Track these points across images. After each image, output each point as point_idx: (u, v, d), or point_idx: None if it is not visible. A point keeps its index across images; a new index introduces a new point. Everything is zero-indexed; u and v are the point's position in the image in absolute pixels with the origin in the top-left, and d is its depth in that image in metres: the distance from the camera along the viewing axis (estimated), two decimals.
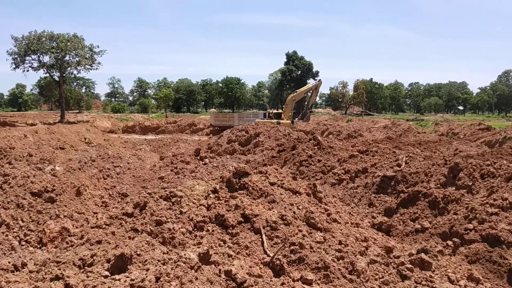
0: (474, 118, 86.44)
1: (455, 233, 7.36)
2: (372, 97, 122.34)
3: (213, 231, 6.44)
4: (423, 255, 6.12)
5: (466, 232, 7.08)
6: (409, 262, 6.00)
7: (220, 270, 5.03)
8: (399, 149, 17.20)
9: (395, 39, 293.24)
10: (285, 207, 7.11)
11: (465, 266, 6.26)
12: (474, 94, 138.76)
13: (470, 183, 8.96)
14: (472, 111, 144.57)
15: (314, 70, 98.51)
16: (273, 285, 5.05)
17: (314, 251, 5.89)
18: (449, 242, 7.04)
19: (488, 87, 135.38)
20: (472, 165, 9.37)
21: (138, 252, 5.10)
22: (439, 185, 9.60)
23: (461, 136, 30.57)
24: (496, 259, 6.17)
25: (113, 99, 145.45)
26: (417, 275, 5.79)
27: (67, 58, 47.56)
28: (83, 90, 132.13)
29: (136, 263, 4.94)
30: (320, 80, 42.05)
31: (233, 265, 5.14)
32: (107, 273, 4.82)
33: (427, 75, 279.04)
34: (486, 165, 9.19)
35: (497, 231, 6.63)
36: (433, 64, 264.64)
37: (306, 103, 45.82)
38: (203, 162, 18.41)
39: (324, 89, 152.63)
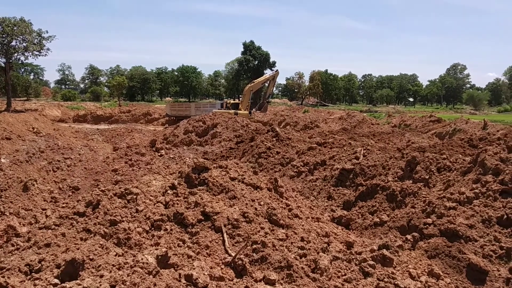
0: (423, 109, 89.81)
1: (413, 227, 7.43)
2: (327, 88, 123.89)
3: (171, 230, 6.15)
4: (384, 251, 6.10)
5: (425, 226, 7.15)
6: (371, 259, 5.97)
7: (180, 274, 4.75)
8: (354, 140, 17.46)
9: (349, 31, 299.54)
10: (247, 204, 6.92)
11: (425, 261, 6.31)
12: (424, 86, 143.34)
13: (427, 177, 9.10)
14: (421, 102, 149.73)
15: (271, 60, 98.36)
16: None
17: (276, 249, 5.73)
18: (409, 237, 7.08)
19: (437, 80, 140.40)
20: (428, 159, 9.53)
21: (90, 257, 4.75)
22: (396, 178, 9.72)
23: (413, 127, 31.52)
24: (455, 254, 6.23)
25: (63, 87, 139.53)
26: (379, 271, 5.77)
27: (13, 43, 44.85)
28: (31, 77, 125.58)
29: (88, 268, 4.58)
30: (277, 70, 41.90)
31: (194, 268, 4.87)
32: (56, 280, 4.45)
33: (380, 67, 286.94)
34: (442, 159, 9.36)
35: (455, 226, 6.72)
36: (385, 56, 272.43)
37: (263, 93, 45.75)
38: (159, 154, 17.94)
39: (281, 80, 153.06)
